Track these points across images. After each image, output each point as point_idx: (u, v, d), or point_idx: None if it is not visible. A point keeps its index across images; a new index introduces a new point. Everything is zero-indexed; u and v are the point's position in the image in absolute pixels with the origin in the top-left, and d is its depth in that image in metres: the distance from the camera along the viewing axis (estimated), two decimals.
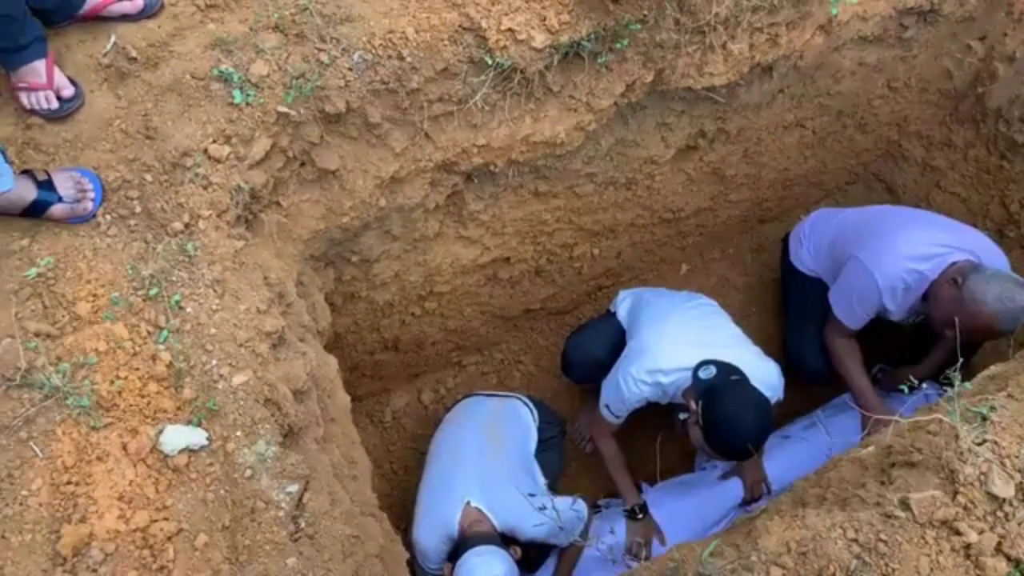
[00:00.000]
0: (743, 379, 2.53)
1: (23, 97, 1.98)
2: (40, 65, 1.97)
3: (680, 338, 2.71)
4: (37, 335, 1.77)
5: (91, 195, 1.89)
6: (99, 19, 2.10)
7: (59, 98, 1.99)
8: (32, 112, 1.99)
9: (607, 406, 2.83)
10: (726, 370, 2.55)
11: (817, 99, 3.08)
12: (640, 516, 2.94)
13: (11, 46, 1.93)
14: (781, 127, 3.12)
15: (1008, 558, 1.57)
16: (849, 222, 3.03)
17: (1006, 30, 3.10)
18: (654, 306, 2.96)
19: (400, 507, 3.07)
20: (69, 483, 1.65)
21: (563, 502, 2.70)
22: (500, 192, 2.71)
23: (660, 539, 2.93)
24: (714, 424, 2.46)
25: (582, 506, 2.77)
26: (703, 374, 2.54)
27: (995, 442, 1.67)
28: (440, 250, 2.83)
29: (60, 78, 2.00)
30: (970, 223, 3.09)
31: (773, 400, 2.67)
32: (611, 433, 2.96)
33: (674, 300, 3.03)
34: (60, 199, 1.85)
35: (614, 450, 3.00)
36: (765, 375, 2.67)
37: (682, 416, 2.62)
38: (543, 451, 2.92)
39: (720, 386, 2.50)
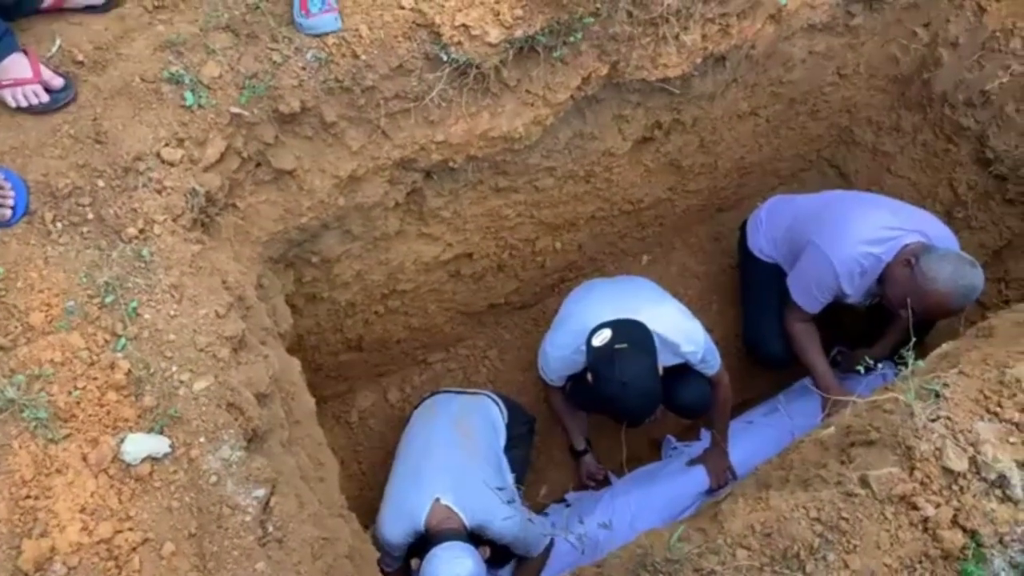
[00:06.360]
0: (630, 346, 2.49)
1: (7, 96, 1.91)
2: (20, 59, 1.91)
3: (598, 300, 2.78)
4: None
5: (10, 202, 1.83)
6: (62, 11, 2.05)
7: (48, 90, 1.93)
8: (21, 110, 1.91)
9: (542, 368, 2.93)
10: (621, 333, 2.52)
11: (770, 88, 3.12)
12: (586, 456, 3.27)
13: None
14: (735, 116, 3.16)
15: (964, 530, 1.62)
16: (804, 208, 3.09)
17: (949, 16, 3.17)
18: (583, 287, 3.09)
19: (369, 507, 3.05)
20: (28, 497, 1.62)
21: (536, 516, 2.76)
22: (460, 188, 2.71)
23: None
24: (603, 398, 2.51)
25: (549, 531, 2.82)
26: (595, 341, 2.54)
27: (948, 418, 1.71)
28: (401, 248, 2.82)
29: (45, 69, 1.94)
30: (920, 205, 3.17)
31: (694, 352, 2.73)
32: (556, 389, 3.06)
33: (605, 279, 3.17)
34: None
35: (559, 401, 3.15)
36: (683, 331, 2.72)
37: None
38: (511, 448, 2.93)
39: (604, 358, 2.48)
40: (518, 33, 2.20)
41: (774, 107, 3.25)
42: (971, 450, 1.67)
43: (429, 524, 2.49)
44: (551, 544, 2.86)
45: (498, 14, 2.17)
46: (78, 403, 1.71)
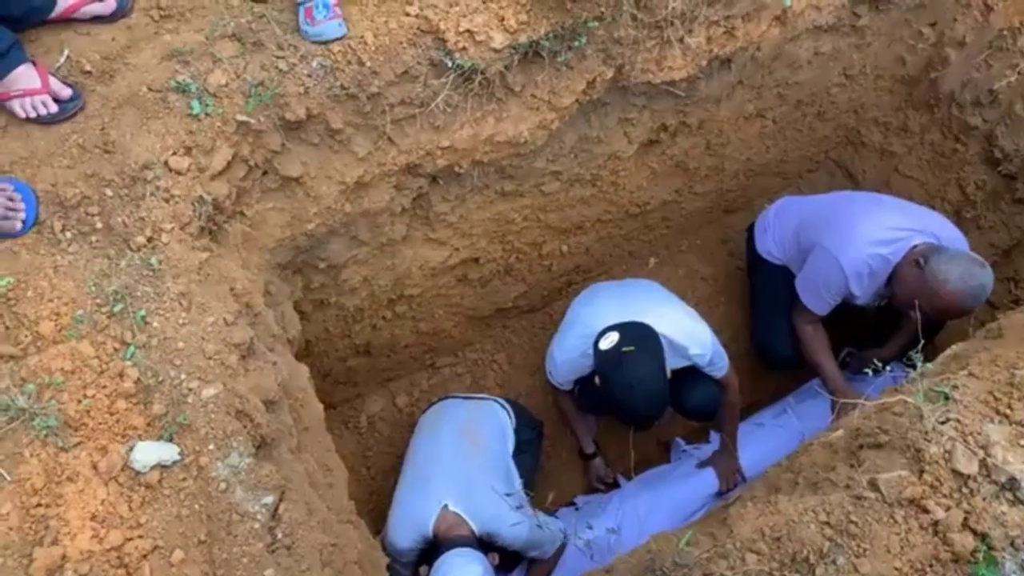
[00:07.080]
0: (638, 349, 2.49)
1: (16, 107, 1.93)
2: (29, 69, 1.92)
3: (605, 303, 2.79)
4: (0, 357, 1.74)
5: (21, 215, 1.85)
6: (69, 22, 2.07)
7: (56, 100, 1.95)
8: (30, 121, 1.93)
9: (550, 371, 2.94)
10: (628, 336, 2.53)
11: (776, 89, 3.12)
12: (595, 459, 3.29)
13: None
14: (742, 118, 3.16)
15: (974, 533, 1.60)
16: (812, 210, 3.08)
17: (955, 15, 3.16)
18: (589, 290, 3.09)
19: (378, 512, 3.06)
20: (39, 505, 1.63)
21: (548, 518, 2.76)
22: (466, 193, 2.71)
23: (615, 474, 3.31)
24: (611, 401, 2.51)
25: (562, 530, 2.81)
26: (602, 344, 2.55)
27: (958, 420, 1.70)
28: (408, 253, 2.82)
29: (53, 80, 1.96)
30: (929, 206, 3.16)
31: (702, 354, 2.73)
32: (565, 392, 3.08)
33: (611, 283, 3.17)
34: None
35: (568, 404, 3.17)
36: (691, 334, 2.73)
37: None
38: (519, 453, 2.93)
39: (612, 361, 2.49)
40: (523, 38, 2.21)
41: (780, 109, 3.24)
42: (981, 453, 1.66)
43: (438, 531, 2.49)
44: (564, 544, 2.85)
45: (503, 20, 2.18)
46: (88, 411, 1.72)
